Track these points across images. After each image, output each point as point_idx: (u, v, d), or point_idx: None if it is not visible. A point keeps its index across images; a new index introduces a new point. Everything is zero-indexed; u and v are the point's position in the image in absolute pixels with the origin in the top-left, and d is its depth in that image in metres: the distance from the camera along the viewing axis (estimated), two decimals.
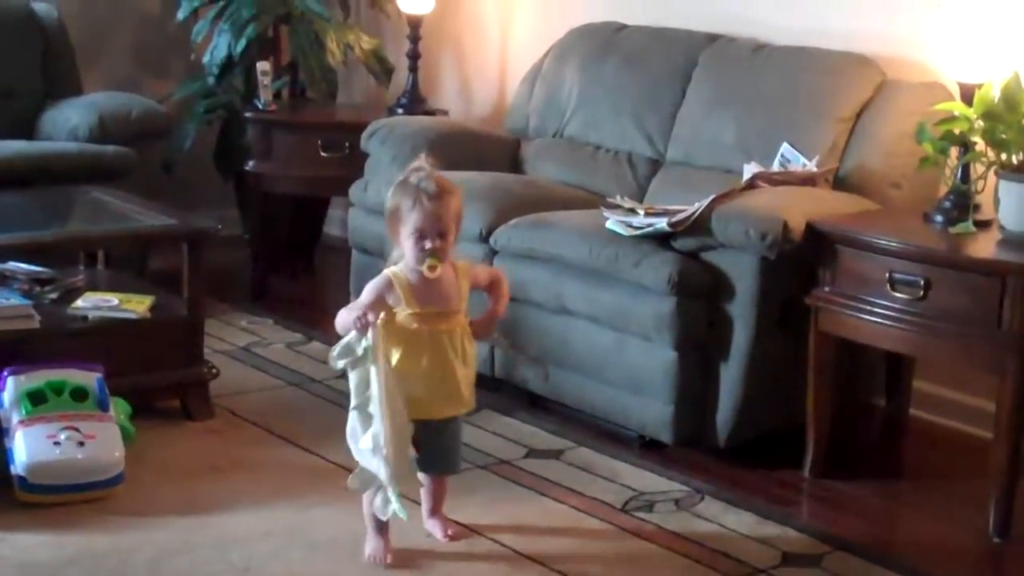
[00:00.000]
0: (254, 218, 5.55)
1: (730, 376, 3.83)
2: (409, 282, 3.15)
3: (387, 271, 3.20)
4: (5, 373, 3.61)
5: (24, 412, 3.51)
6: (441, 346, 3.16)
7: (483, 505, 3.52)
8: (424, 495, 3.35)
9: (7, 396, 3.58)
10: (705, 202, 3.83)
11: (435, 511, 3.36)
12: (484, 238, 4.29)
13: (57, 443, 3.45)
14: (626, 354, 3.94)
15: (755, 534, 3.45)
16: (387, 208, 3.21)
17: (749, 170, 4.13)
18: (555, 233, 4.14)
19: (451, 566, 3.22)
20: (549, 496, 3.62)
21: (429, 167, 3.18)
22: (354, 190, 4.80)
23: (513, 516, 3.47)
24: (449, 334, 3.17)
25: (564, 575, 3.19)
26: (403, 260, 3.19)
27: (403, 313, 3.15)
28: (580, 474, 3.77)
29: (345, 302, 4.87)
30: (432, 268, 3.10)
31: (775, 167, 4.17)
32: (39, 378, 3.59)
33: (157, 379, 3.99)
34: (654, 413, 3.90)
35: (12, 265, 4.20)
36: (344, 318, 3.15)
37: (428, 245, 3.11)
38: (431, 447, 3.20)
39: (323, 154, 5.29)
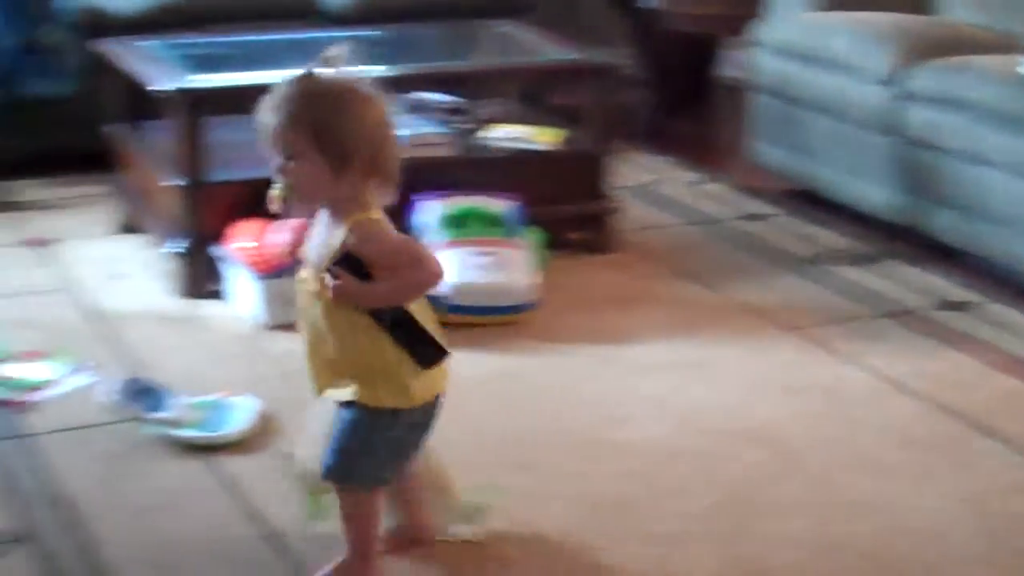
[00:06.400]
0: (651, 56, 5.54)
1: None
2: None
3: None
4: (416, 199, 3.76)
5: (448, 235, 3.65)
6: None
7: (890, 354, 3.46)
8: None
9: (426, 219, 3.72)
10: None
11: None
12: (889, 81, 4.15)
13: (480, 266, 3.58)
14: None
15: None
16: None
17: None
18: (972, 77, 3.95)
19: (861, 410, 3.18)
20: (959, 349, 3.52)
21: (317, 64, 2.27)
22: (758, 28, 4.71)
23: (922, 367, 3.39)
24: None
25: (990, 432, 3.07)
26: None
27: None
28: (994, 329, 3.65)
29: (740, 145, 4.91)
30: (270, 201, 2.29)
31: None
32: (459, 204, 3.72)
33: (565, 211, 4.06)
34: None
35: (427, 95, 4.34)
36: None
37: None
38: None
39: None
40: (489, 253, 3.61)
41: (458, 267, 3.58)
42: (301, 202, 2.29)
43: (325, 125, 2.20)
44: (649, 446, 2.98)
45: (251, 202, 3.40)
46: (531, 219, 3.81)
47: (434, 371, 2.35)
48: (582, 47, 4.38)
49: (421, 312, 2.34)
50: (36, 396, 3.16)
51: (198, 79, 3.72)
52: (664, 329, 3.60)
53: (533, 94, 4.68)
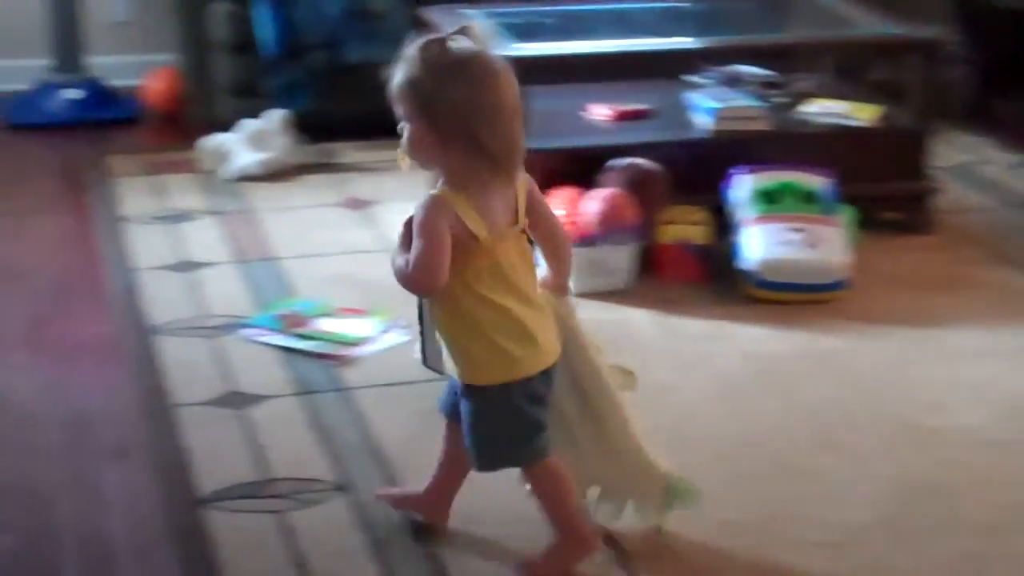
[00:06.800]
0: (974, 33, 5.33)
1: None
2: None
3: None
4: (732, 172, 3.72)
5: (760, 210, 3.61)
6: None
7: None
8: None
9: (739, 193, 3.69)
10: None
11: None
12: None
13: (790, 242, 3.53)
14: None
15: None
16: None
17: None
18: None
19: None
20: None
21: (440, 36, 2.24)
22: None
23: None
24: None
25: None
26: None
27: None
28: None
29: None
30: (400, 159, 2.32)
31: None
32: (772, 178, 3.67)
33: (881, 189, 3.96)
34: None
35: (743, 68, 4.29)
36: None
37: None
38: None
39: None
40: (801, 229, 3.55)
41: (767, 243, 3.53)
42: (415, 163, 2.26)
43: (431, 93, 2.17)
44: (966, 435, 2.89)
45: (567, 170, 3.44)
46: (846, 197, 3.72)
47: (530, 345, 2.26)
48: (900, 21, 4.25)
49: (515, 314, 2.25)
50: (355, 351, 3.27)
51: (521, 47, 3.77)
52: (982, 315, 3.48)
53: (850, 69, 4.56)
